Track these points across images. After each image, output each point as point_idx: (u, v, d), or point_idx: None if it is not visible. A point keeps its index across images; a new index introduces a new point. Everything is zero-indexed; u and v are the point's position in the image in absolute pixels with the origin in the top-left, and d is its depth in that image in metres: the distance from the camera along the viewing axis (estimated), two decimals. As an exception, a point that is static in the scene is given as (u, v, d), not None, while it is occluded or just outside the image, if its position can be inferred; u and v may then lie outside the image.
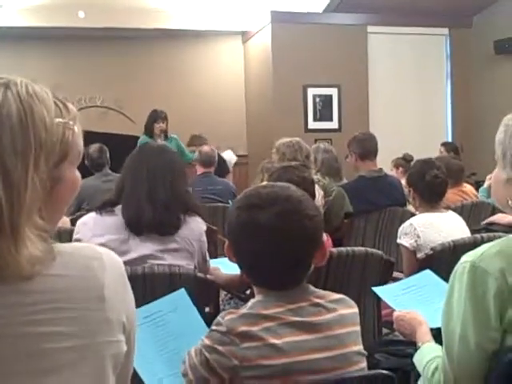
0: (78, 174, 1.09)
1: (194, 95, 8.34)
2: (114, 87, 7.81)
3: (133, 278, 2.11)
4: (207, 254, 2.49)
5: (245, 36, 8.60)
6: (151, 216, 2.24)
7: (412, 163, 4.24)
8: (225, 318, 1.37)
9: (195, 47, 8.44)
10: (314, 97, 7.82)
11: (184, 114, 8.06)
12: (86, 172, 4.74)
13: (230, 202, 4.95)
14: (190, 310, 1.95)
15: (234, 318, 1.36)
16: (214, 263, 2.68)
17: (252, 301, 1.42)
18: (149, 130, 6.00)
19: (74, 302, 1.00)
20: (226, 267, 2.67)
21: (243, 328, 1.33)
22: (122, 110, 7.63)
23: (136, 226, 2.25)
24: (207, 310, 2.41)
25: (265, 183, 1.95)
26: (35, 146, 0.96)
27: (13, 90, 0.99)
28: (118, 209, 2.29)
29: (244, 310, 1.39)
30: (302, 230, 1.38)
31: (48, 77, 6.90)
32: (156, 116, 6.02)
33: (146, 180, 2.30)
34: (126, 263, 2.14)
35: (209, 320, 2.28)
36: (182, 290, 1.98)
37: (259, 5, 7.95)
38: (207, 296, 2.35)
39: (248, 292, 2.60)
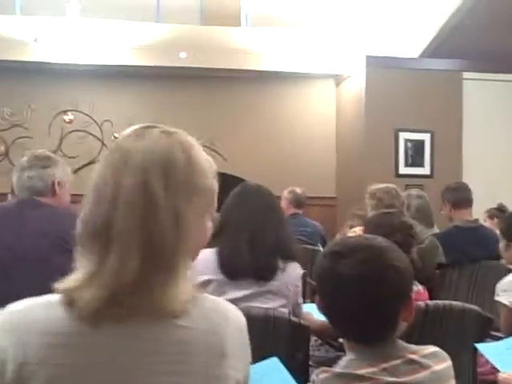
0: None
1: (283, 136, 8.44)
2: (209, 126, 8.04)
3: None
4: (301, 298, 2.49)
5: (337, 79, 8.66)
6: (250, 261, 2.26)
7: (506, 215, 4.10)
8: (319, 376, 1.33)
9: (287, 89, 8.57)
10: (406, 141, 7.73)
11: (273, 155, 8.18)
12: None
13: (319, 244, 4.95)
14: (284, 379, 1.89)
15: (329, 378, 1.32)
16: (305, 308, 2.68)
17: (344, 359, 1.38)
18: None
19: (197, 355, 1.00)
20: (316, 312, 2.66)
21: None
22: (215, 148, 7.81)
23: (232, 270, 2.27)
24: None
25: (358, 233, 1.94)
26: (199, 191, 1.03)
27: (174, 138, 1.07)
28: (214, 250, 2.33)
29: (337, 369, 1.35)
30: (384, 281, 1.30)
31: (147, 114, 7.22)
32: None
33: (249, 223, 2.32)
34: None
35: (299, 366, 2.28)
36: (275, 358, 1.92)
37: (354, 49, 8.01)
38: (299, 341, 2.34)
39: (341, 340, 2.58)
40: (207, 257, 2.31)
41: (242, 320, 1.10)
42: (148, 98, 8.19)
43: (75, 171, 7.04)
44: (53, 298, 0.98)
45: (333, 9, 8.29)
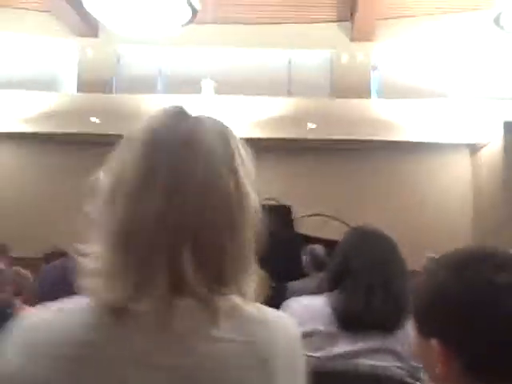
0: None
1: (414, 205, 8.16)
2: (337, 196, 7.96)
3: (333, 375, 1.97)
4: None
5: (473, 148, 8.29)
6: (378, 309, 2.02)
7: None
8: None
9: (418, 159, 8.35)
10: (551, 212, 7.15)
11: (402, 224, 7.86)
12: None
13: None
14: None
15: None
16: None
17: None
18: None
19: (231, 369, 0.87)
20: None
21: None
22: (341, 218, 7.67)
23: (354, 320, 2.03)
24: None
25: None
26: None
27: None
28: (327, 295, 2.12)
29: None
30: None
31: (276, 186, 7.31)
32: None
33: (380, 267, 2.08)
34: (327, 358, 2.01)
35: None
36: None
37: (490, 115, 7.67)
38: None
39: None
40: (315, 304, 2.10)
41: (295, 333, 0.96)
42: (276, 171, 8.30)
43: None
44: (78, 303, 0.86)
45: (465, 75, 8.07)
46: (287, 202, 6.41)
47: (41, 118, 8.20)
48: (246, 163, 0.94)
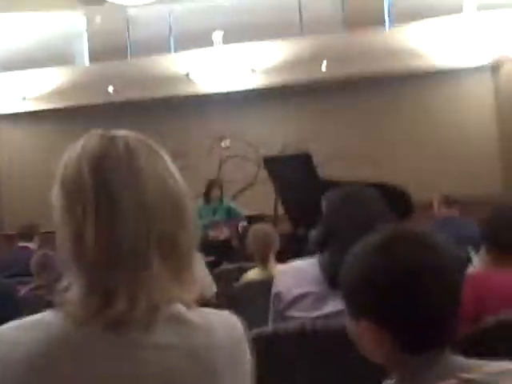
0: None
1: (437, 134, 8.07)
2: (356, 134, 7.93)
3: (326, 333, 2.04)
4: None
5: (494, 66, 8.04)
6: None
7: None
8: None
9: (438, 85, 8.19)
10: None
11: (427, 153, 7.81)
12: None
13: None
14: None
15: None
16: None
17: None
18: (206, 196, 6.34)
19: (175, 377, 0.91)
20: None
21: None
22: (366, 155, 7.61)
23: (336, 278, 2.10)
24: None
25: None
26: None
27: None
28: (316, 259, 2.18)
29: None
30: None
31: (302, 131, 7.22)
32: (212, 183, 6.39)
33: (366, 229, 2.08)
34: (317, 317, 2.09)
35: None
36: None
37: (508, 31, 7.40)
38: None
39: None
40: (307, 267, 2.19)
41: (238, 332, 0.98)
42: (295, 116, 8.29)
43: (234, 196, 7.26)
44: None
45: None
46: (311, 147, 6.31)
47: (55, 93, 8.32)
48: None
